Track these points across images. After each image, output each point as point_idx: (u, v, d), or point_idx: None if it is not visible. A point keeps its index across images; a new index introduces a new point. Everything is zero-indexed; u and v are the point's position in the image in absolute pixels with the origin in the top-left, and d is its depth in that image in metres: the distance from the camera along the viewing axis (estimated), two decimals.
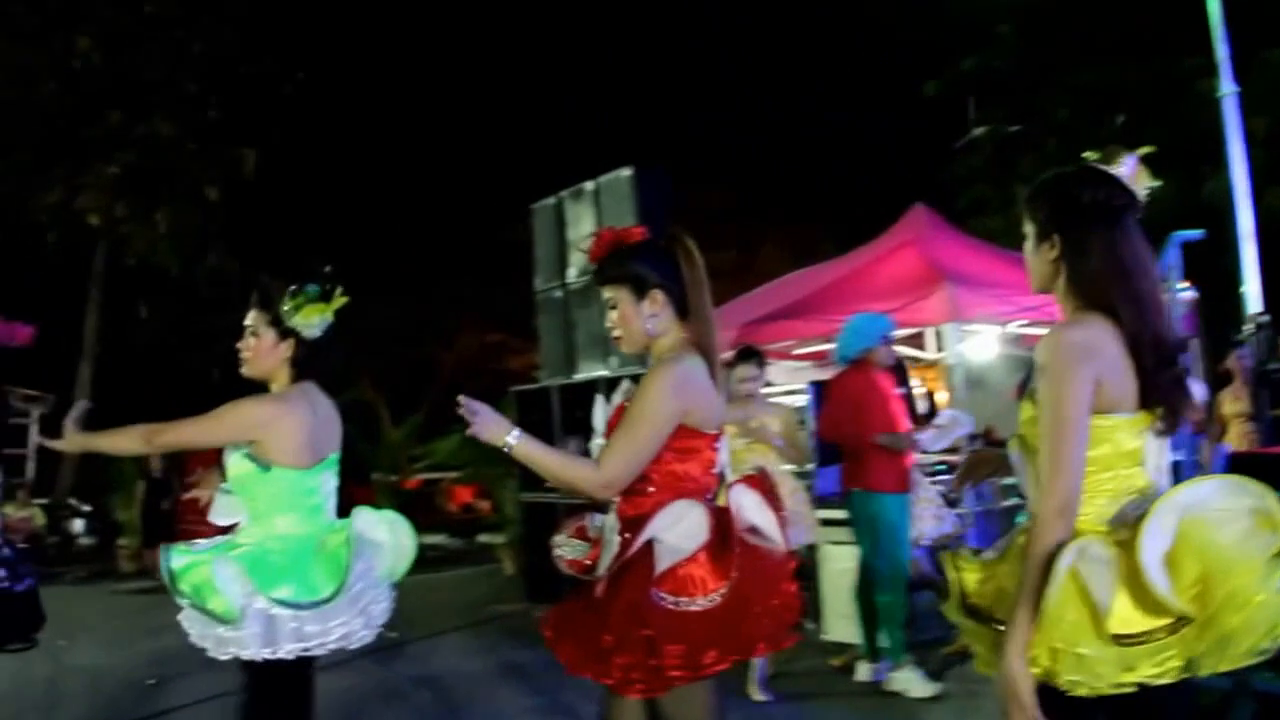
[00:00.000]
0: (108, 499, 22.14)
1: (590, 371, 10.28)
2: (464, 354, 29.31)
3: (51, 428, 19.07)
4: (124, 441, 3.89)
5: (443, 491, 23.57)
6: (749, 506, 3.26)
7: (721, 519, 3.16)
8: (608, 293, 3.35)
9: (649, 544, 3.11)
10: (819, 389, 8.72)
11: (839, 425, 7.06)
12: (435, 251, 27.63)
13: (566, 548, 3.54)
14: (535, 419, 10.25)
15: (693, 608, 3.01)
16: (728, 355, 9.22)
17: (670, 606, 3.01)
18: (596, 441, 3.71)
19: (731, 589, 3.02)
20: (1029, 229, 2.78)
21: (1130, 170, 2.69)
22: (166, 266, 24.57)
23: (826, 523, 7.87)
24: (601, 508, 3.42)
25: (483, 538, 18.14)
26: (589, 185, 10.30)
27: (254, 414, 3.69)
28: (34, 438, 25.71)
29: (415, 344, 28.34)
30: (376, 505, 11.96)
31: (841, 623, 7.96)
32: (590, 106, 29.34)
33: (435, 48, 31.64)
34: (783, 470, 6.95)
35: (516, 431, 3.08)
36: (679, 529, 3.10)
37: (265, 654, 3.43)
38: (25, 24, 23.44)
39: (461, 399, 3.08)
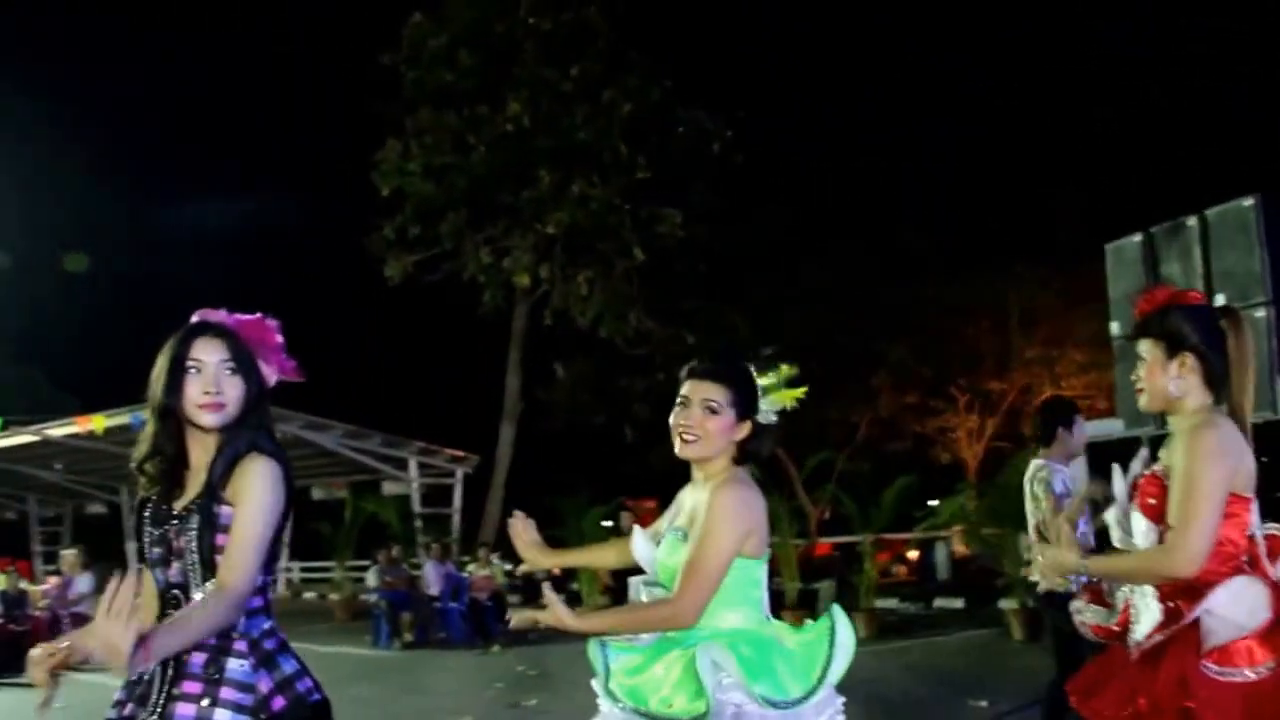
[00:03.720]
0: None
1: None
2: (879, 414, 28.49)
3: (475, 488, 19.17)
4: (647, 616, 3.31)
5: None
6: None
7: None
8: (1142, 347, 3.35)
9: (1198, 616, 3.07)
10: None
11: None
12: (848, 307, 27.01)
13: (1089, 613, 3.48)
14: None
15: (1236, 678, 2.97)
16: None
17: (1215, 676, 2.99)
18: (1110, 514, 3.49)
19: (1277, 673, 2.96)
20: None
21: None
22: (590, 327, 24.77)
23: None
24: None
25: (939, 602, 17.83)
26: (1190, 220, 9.27)
27: (753, 506, 3.25)
28: (458, 497, 26.61)
29: (827, 402, 27.69)
30: (862, 567, 11.30)
31: None
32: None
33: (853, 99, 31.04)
34: None
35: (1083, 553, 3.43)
36: (1241, 606, 3.05)
37: None
38: (457, 90, 24.37)
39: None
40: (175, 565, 2.81)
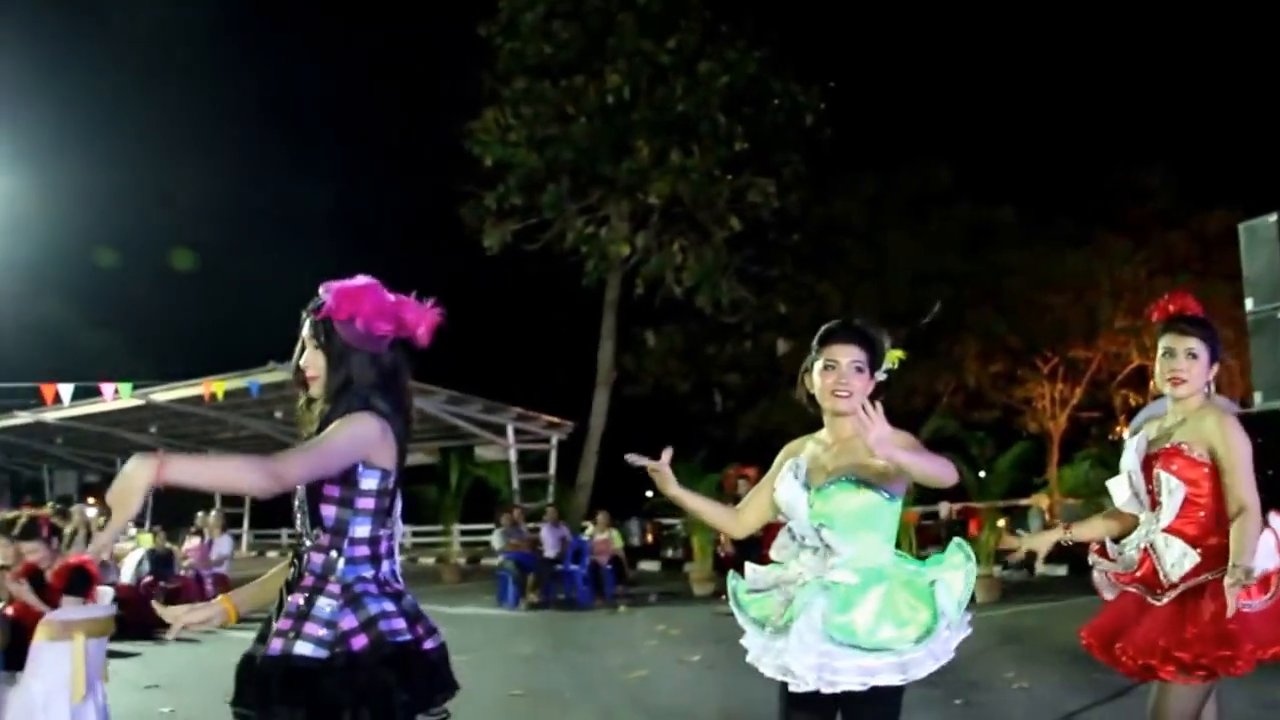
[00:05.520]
0: (635, 522, 22.78)
1: None
2: (964, 382, 28.77)
3: (569, 454, 19.52)
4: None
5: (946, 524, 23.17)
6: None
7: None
8: (1192, 343, 4.00)
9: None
10: None
11: None
12: (934, 276, 27.26)
13: (1105, 564, 4.20)
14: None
15: (1248, 609, 3.73)
16: None
17: (1242, 609, 3.70)
18: (1116, 482, 4.19)
19: (1276, 597, 3.82)
20: None
21: None
22: (684, 295, 25.20)
23: None
24: None
25: (1041, 569, 18.29)
26: None
27: None
28: (554, 462, 27.15)
29: (912, 369, 28.02)
30: (966, 534, 11.78)
31: None
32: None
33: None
34: None
35: None
36: (1263, 552, 3.81)
37: (922, 674, 3.38)
38: (554, 61, 24.80)
39: None
40: (299, 517, 3.08)
